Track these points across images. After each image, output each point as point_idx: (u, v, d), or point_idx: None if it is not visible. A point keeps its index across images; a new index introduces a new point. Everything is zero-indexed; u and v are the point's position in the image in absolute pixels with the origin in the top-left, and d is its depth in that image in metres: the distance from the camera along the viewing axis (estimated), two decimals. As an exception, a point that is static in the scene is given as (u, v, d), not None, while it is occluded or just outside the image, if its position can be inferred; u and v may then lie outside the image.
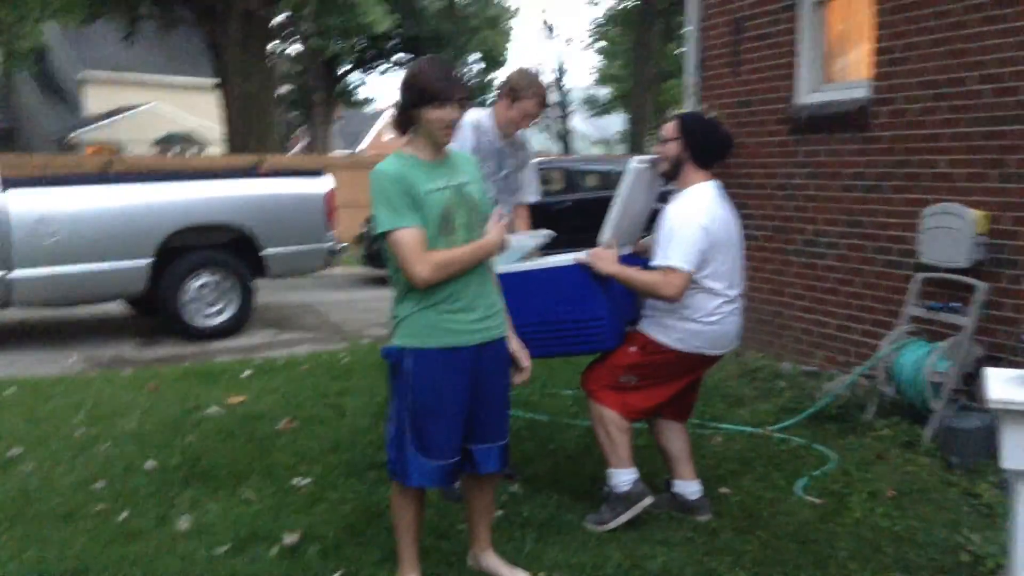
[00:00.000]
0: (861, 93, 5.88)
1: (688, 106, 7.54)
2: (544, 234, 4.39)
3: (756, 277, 6.85)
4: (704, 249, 3.65)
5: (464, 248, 3.05)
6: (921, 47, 5.40)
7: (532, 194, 4.74)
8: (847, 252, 6.01)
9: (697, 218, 3.66)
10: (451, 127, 3.03)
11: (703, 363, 3.88)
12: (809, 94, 6.39)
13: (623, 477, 3.82)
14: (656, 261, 3.69)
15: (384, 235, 3.01)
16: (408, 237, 2.97)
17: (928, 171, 5.37)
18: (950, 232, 5.05)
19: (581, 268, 3.76)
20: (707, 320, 3.73)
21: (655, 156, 3.95)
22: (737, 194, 6.98)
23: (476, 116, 4.40)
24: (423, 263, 2.97)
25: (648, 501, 3.80)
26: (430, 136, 3.06)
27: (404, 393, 3.09)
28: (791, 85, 6.48)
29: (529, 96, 4.30)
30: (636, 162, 3.93)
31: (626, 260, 3.83)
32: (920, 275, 5.30)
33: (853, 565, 3.45)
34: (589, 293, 3.76)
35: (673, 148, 3.83)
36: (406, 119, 3.08)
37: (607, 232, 3.85)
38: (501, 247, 3.17)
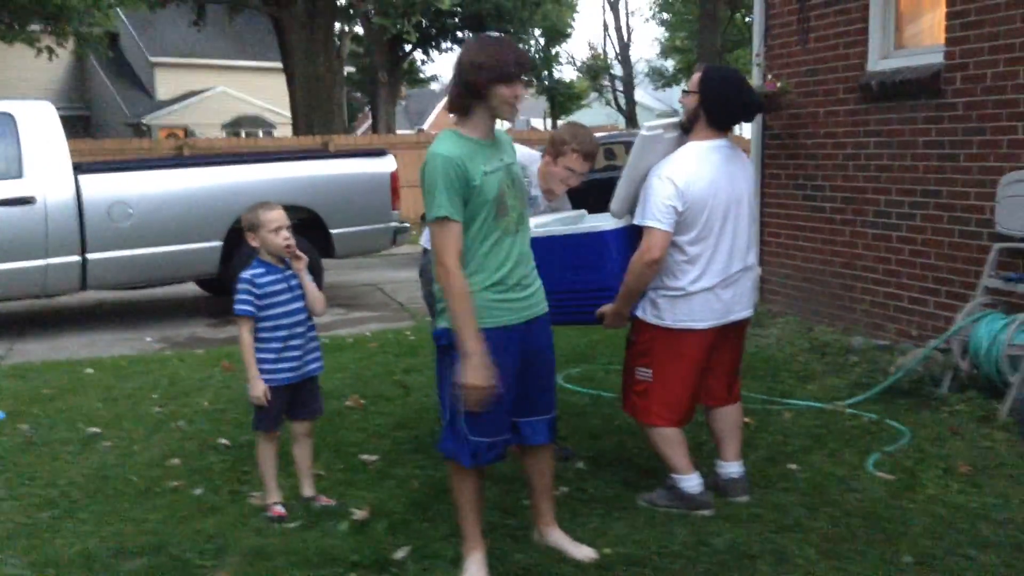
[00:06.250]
0: (934, 59, 5.71)
1: (755, 78, 7.39)
2: (577, 215, 4.34)
3: (825, 250, 6.72)
4: (679, 209, 3.48)
5: (465, 306, 2.94)
6: (995, 10, 5.21)
7: None
8: (921, 223, 5.85)
9: (672, 176, 3.49)
10: (517, 103, 3.02)
11: (704, 339, 3.63)
12: (880, 61, 6.21)
13: (688, 483, 3.72)
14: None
15: (436, 218, 2.96)
16: (457, 230, 2.96)
17: (1005, 138, 5.20)
18: (1029, 200, 4.88)
19: (604, 236, 3.69)
20: (679, 292, 3.57)
21: (667, 121, 3.73)
22: (806, 165, 6.86)
23: (527, 153, 4.22)
24: (455, 262, 2.94)
25: (708, 512, 3.69)
26: (496, 113, 3.05)
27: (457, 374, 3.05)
28: (861, 52, 6.32)
29: (570, 150, 4.06)
30: (646, 129, 3.65)
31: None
32: (997, 245, 5.14)
33: (926, 542, 3.38)
34: (601, 262, 3.69)
35: (692, 101, 3.62)
36: (470, 99, 3.03)
37: (615, 204, 3.74)
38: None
